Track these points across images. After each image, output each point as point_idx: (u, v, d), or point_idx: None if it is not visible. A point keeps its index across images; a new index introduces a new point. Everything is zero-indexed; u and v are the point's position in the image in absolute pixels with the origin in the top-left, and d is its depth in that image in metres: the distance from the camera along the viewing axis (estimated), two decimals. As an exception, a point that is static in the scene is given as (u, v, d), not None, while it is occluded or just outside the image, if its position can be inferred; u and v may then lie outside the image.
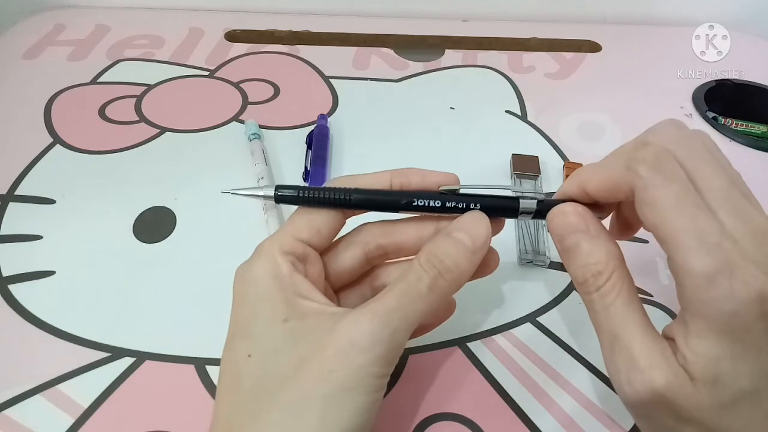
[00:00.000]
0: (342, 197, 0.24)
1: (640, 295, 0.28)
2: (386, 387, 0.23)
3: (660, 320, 0.31)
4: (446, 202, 0.24)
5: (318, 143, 0.41)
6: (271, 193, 0.24)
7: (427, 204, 0.24)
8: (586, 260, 0.23)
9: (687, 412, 0.21)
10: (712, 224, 0.20)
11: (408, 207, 0.24)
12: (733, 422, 0.21)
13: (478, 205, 0.25)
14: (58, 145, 0.42)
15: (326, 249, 0.26)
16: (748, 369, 0.20)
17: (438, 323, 0.27)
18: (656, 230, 0.21)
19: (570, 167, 0.40)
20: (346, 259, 0.26)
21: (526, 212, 0.25)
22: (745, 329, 0.20)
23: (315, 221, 0.24)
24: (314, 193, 0.24)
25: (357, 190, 0.24)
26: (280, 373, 0.21)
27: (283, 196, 0.24)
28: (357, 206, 0.24)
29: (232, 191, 0.24)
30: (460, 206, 0.24)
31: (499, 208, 0.25)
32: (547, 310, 0.32)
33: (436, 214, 0.25)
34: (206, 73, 0.50)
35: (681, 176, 0.21)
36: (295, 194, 0.24)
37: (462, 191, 0.25)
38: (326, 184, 0.25)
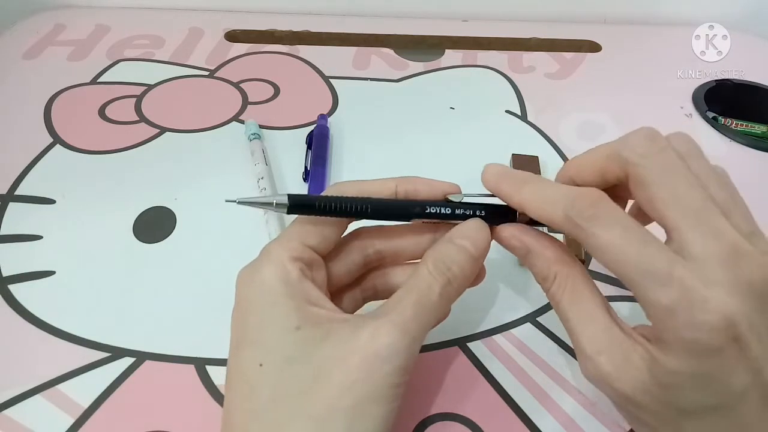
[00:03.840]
0: (358, 208, 0.24)
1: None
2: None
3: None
4: (455, 209, 0.25)
5: (318, 143, 0.41)
6: (285, 201, 0.23)
7: (438, 211, 0.25)
8: (532, 269, 0.25)
9: (640, 401, 0.22)
10: (661, 254, 0.20)
11: (420, 215, 0.25)
12: (695, 426, 0.21)
13: (483, 212, 0.25)
14: (58, 145, 0.42)
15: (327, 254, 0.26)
16: (713, 388, 0.20)
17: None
18: (611, 269, 0.21)
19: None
20: (346, 264, 0.26)
21: (523, 219, 0.26)
22: (711, 354, 0.20)
23: (323, 227, 0.24)
24: (329, 204, 0.24)
25: (371, 200, 0.24)
26: (298, 384, 0.21)
27: (297, 206, 0.23)
28: (372, 217, 0.24)
29: (239, 201, 0.23)
30: (467, 213, 0.25)
31: (499, 215, 0.26)
32: (547, 310, 0.32)
33: (435, 221, 0.25)
34: (206, 73, 0.50)
35: (620, 217, 0.21)
36: (311, 204, 0.24)
37: (465, 199, 0.26)
38: (328, 190, 0.25)
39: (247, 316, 0.23)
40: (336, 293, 0.27)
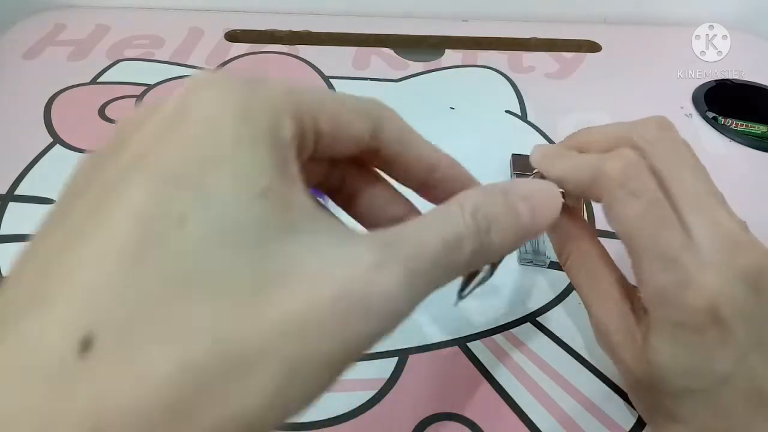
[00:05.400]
0: None
1: (639, 295, 0.28)
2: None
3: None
4: None
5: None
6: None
7: None
8: (552, 241, 0.26)
9: (638, 376, 0.23)
10: (673, 238, 0.20)
11: None
12: (679, 407, 0.22)
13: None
14: (58, 145, 0.42)
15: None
16: (694, 372, 0.21)
17: None
18: (622, 239, 0.22)
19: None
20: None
21: None
22: (693, 335, 0.20)
23: (347, 117, 0.16)
24: None
25: None
26: (224, 279, 0.12)
27: None
28: None
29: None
30: None
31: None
32: (547, 310, 0.32)
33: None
34: (206, 73, 0.50)
35: (649, 190, 0.21)
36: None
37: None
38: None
39: (193, 134, 0.13)
40: None
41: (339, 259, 0.13)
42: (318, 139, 0.16)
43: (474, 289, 0.21)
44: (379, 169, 0.19)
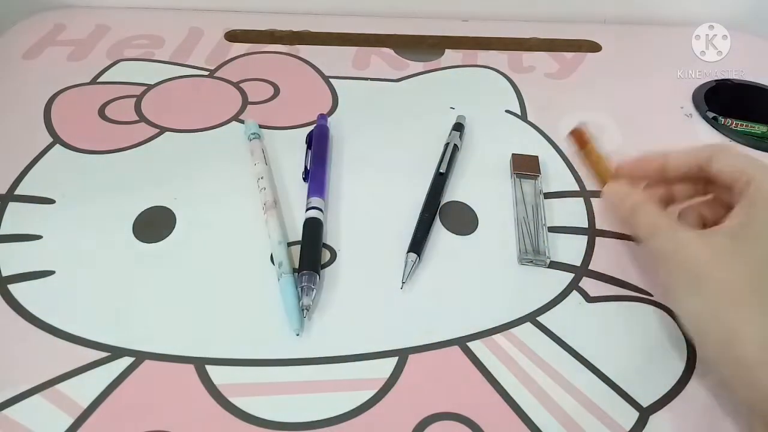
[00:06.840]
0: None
1: (639, 294, 0.29)
2: None
3: (660, 320, 0.31)
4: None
5: (318, 143, 0.41)
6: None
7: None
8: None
9: (696, 259, 0.27)
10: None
11: None
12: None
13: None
14: (57, 145, 0.42)
15: None
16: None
17: None
18: (728, 175, 0.29)
19: (575, 133, 0.38)
20: None
21: None
22: None
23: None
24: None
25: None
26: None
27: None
28: None
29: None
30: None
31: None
32: (547, 310, 0.32)
33: None
34: (206, 73, 0.50)
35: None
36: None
37: None
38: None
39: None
40: None
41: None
42: None
43: (409, 274, 0.33)
44: None
